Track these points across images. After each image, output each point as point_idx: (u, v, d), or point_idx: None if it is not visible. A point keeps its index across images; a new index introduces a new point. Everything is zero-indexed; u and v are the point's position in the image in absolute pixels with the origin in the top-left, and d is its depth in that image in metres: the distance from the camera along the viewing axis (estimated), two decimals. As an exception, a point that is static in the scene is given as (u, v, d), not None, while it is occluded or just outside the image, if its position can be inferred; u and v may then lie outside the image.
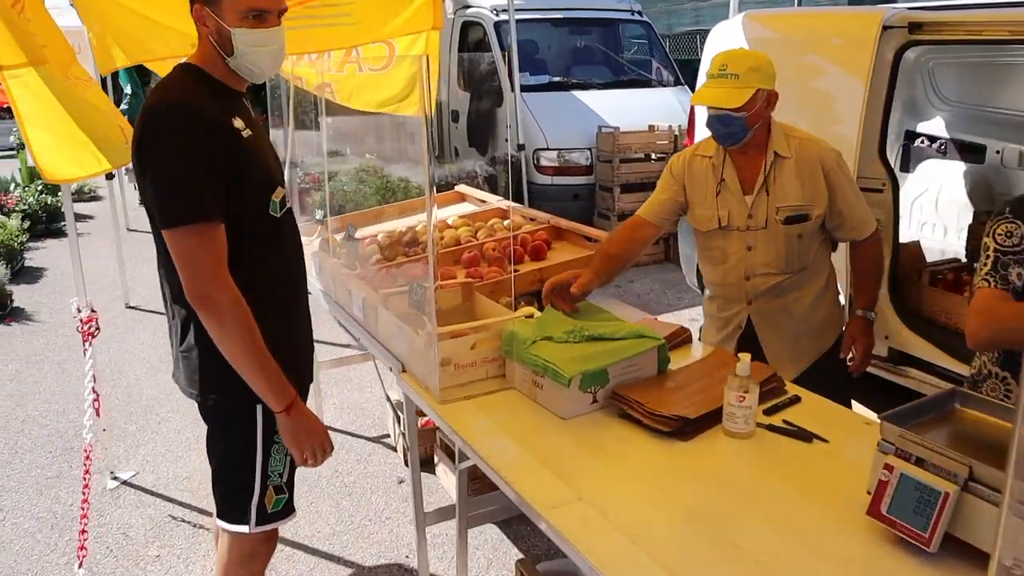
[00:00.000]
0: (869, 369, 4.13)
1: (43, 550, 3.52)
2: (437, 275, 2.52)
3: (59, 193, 10.27)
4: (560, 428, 2.18)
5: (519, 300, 3.06)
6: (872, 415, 3.98)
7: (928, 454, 1.54)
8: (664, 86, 8.80)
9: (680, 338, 2.72)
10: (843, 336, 2.91)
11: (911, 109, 5.18)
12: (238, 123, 2.01)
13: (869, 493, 1.64)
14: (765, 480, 1.90)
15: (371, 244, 3.67)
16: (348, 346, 5.65)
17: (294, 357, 2.25)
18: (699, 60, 5.42)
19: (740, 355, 2.10)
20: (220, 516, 2.27)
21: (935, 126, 5.82)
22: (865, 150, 3.89)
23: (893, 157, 4.98)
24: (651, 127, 7.66)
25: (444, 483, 3.82)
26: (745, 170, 2.69)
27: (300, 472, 2.45)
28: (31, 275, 7.93)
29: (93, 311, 3.71)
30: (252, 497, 2.20)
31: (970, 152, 4.97)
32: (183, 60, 2.12)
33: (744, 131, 2.59)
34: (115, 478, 4.09)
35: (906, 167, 5.64)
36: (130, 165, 2.11)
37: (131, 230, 9.40)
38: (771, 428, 2.13)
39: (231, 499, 2.23)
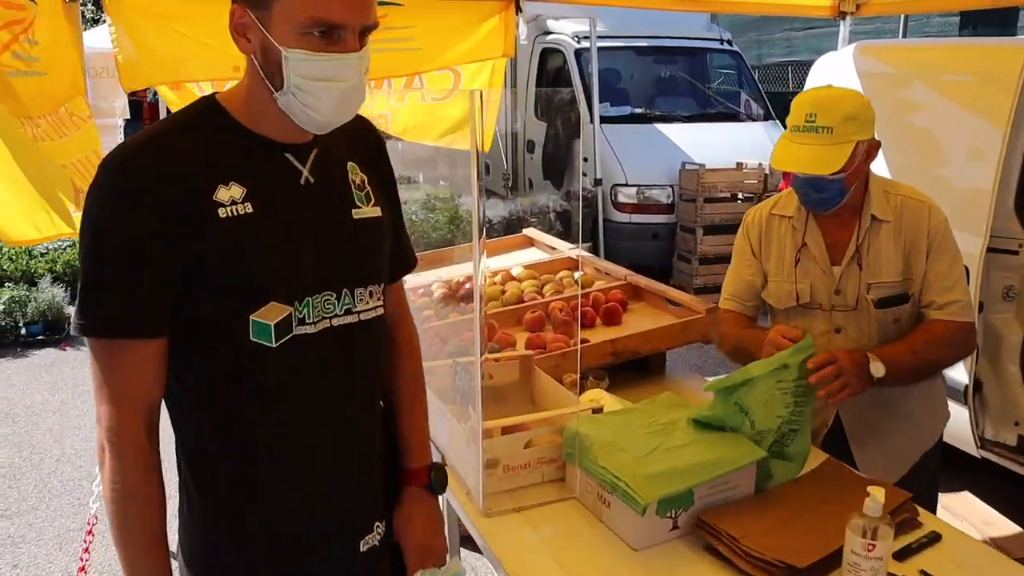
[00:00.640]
0: (994, 459, 3.56)
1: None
2: (485, 346, 2.09)
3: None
4: (629, 560, 1.73)
5: (586, 377, 2.61)
6: (994, 513, 3.42)
7: None
8: (754, 120, 8.26)
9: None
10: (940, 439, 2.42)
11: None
12: (228, 193, 1.31)
13: None
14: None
15: (424, 296, 3.26)
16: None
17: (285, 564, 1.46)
18: (791, 93, 4.91)
19: (871, 489, 1.61)
20: None
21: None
22: (1000, 205, 3.34)
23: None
24: (739, 164, 7.14)
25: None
26: (833, 234, 2.22)
27: None
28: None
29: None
30: None
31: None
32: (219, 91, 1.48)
33: (841, 195, 2.12)
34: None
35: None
36: None
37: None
38: (908, 586, 1.63)
39: None
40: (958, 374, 3.51)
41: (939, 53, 3.88)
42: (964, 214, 3.36)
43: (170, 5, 3.03)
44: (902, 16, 10.57)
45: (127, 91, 3.17)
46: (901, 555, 1.73)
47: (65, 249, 7.81)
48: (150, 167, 1.28)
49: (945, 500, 3.36)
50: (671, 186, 7.31)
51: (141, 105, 12.42)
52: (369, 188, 1.49)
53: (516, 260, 3.76)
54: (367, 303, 1.47)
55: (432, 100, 3.51)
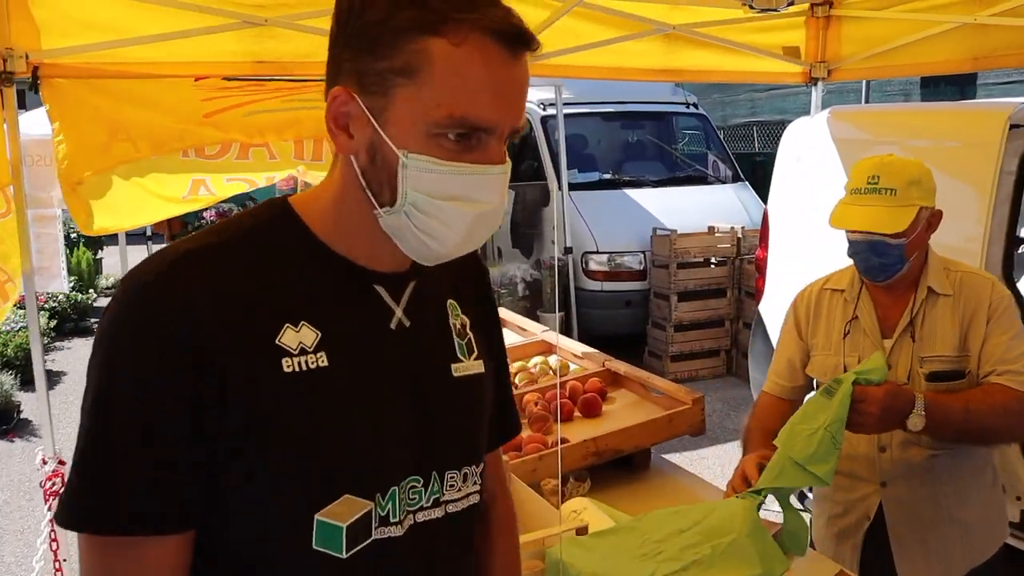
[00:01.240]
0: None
1: None
2: None
3: (89, 290, 10.02)
4: None
5: (567, 480, 2.39)
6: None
7: None
8: (723, 182, 8.22)
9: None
10: (1001, 549, 2.16)
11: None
12: (297, 337, 0.97)
13: None
14: None
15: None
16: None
17: None
18: (757, 153, 4.82)
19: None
20: None
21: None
22: (989, 271, 3.19)
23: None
24: (711, 228, 7.04)
25: None
26: (887, 307, 2.12)
27: None
28: (48, 379, 7.46)
29: (62, 463, 3.13)
30: None
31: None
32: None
33: (902, 262, 2.02)
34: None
35: (1010, 274, 4.92)
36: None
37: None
38: None
39: None
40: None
41: (915, 119, 3.79)
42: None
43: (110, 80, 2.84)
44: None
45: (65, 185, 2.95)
46: None
47: (16, 332, 7.49)
48: (192, 295, 0.93)
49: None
50: (643, 252, 7.19)
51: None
52: (471, 335, 1.16)
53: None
54: (460, 490, 1.11)
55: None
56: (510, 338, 3.59)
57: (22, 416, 6.40)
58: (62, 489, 0.94)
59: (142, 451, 0.91)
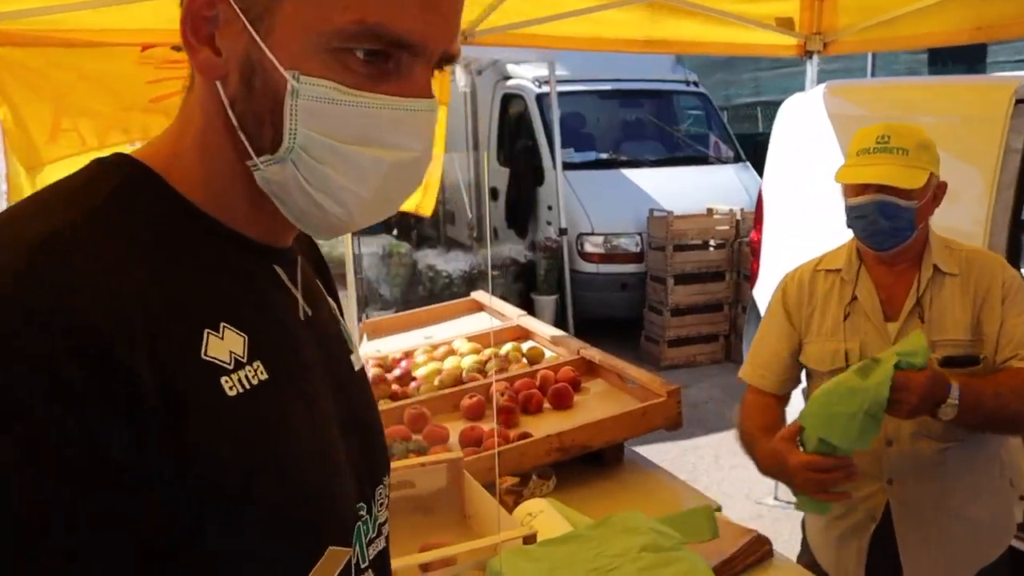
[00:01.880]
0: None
1: None
2: None
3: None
4: None
5: (530, 476, 2.23)
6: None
7: None
8: (724, 163, 8.00)
9: (757, 554, 1.85)
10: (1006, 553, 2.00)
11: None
12: (224, 346, 0.70)
13: None
14: None
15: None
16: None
17: None
18: (760, 133, 4.63)
19: None
20: None
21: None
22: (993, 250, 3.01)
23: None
24: (709, 210, 6.84)
25: None
26: (889, 287, 1.96)
27: None
28: None
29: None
30: None
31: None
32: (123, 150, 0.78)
33: (911, 228, 1.87)
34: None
35: (1016, 261, 4.72)
36: None
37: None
38: None
39: None
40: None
41: (915, 93, 3.59)
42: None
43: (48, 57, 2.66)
44: (870, 55, 10.43)
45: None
46: None
47: None
48: (80, 303, 0.60)
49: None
50: (639, 234, 7.00)
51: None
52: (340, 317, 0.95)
53: (462, 329, 3.40)
54: (384, 509, 0.91)
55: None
56: (484, 323, 3.43)
57: None
58: None
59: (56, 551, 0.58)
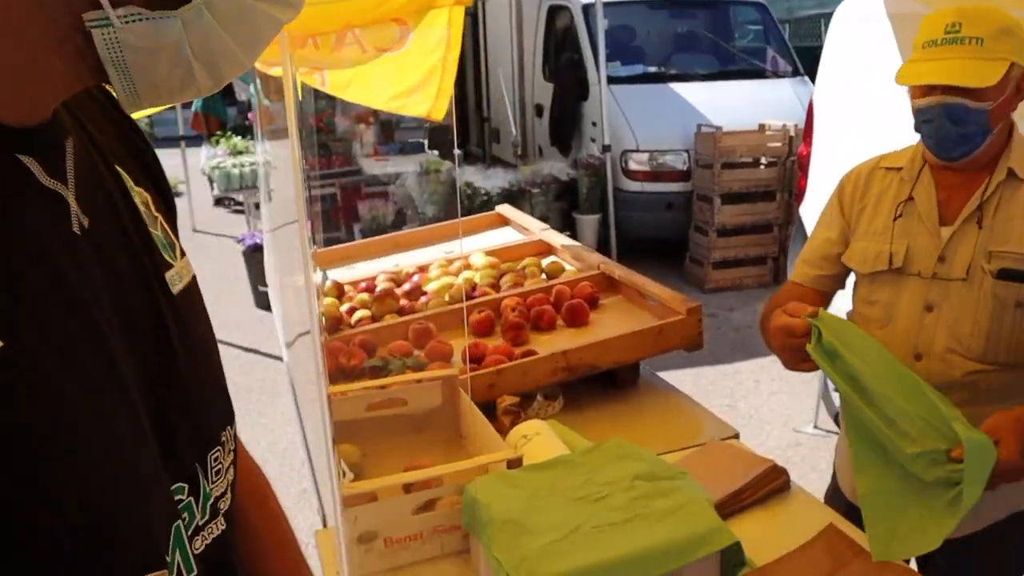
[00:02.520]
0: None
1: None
2: (326, 374, 1.55)
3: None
4: None
5: (533, 396, 2.08)
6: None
7: None
8: (780, 77, 7.57)
9: (771, 486, 1.69)
10: None
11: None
12: None
13: None
14: None
15: (362, 291, 2.75)
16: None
17: None
18: (822, 47, 4.29)
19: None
20: None
21: None
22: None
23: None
24: (761, 126, 6.48)
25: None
26: (952, 189, 1.71)
27: None
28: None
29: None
30: None
31: None
32: None
33: (984, 133, 1.62)
34: None
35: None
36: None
37: (197, 231, 8.88)
38: None
39: None
40: None
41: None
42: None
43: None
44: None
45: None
46: None
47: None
48: None
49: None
50: (687, 151, 6.69)
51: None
52: (162, 219, 0.75)
53: (485, 243, 3.23)
54: (225, 471, 0.74)
55: (377, 53, 2.93)
56: (506, 237, 3.26)
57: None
58: None
59: None
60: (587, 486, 1.45)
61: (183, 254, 0.75)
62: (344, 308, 2.58)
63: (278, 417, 4.48)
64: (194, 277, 0.76)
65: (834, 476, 2.06)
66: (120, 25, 0.55)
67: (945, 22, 1.59)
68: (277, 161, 4.42)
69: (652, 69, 7.50)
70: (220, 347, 0.78)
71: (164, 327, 0.67)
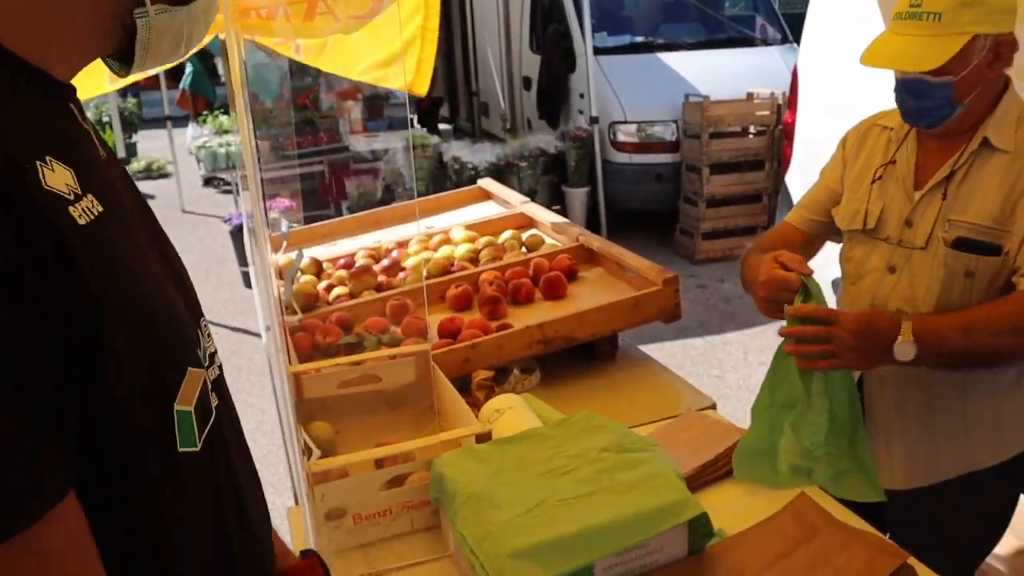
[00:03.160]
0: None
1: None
2: (291, 352, 1.54)
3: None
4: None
5: (509, 371, 2.07)
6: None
7: None
8: (768, 45, 7.50)
9: (745, 455, 1.68)
10: (1020, 465, 1.75)
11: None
12: (57, 178, 0.69)
13: None
14: None
15: (341, 267, 2.73)
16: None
17: None
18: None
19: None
20: None
21: None
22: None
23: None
24: (749, 95, 6.43)
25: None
26: (931, 154, 1.71)
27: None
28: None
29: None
30: None
31: None
32: None
33: (949, 106, 1.60)
34: None
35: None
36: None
37: (186, 212, 8.83)
38: None
39: None
40: None
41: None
42: None
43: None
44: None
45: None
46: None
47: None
48: None
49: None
50: (675, 122, 6.63)
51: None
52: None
53: (467, 217, 3.21)
54: (210, 337, 0.92)
55: (351, 19, 2.86)
56: (487, 211, 3.24)
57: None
58: None
59: (27, 385, 0.63)
60: (554, 459, 1.44)
61: None
62: (322, 285, 2.56)
63: (266, 396, 4.47)
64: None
65: None
66: (154, 16, 0.79)
67: None
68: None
69: (639, 39, 7.42)
70: (209, 327, 0.93)
71: (156, 226, 0.88)
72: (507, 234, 2.81)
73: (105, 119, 9.43)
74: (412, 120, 8.64)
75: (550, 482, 1.36)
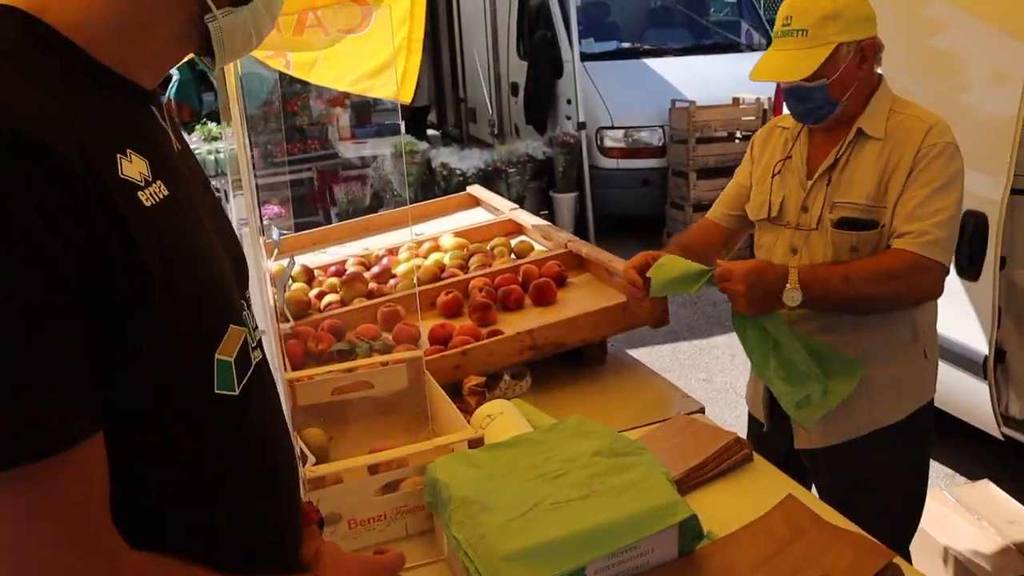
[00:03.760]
0: (1022, 439, 3.02)
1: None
2: (286, 360, 1.56)
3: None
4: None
5: (500, 376, 2.09)
6: (1019, 508, 2.88)
7: None
8: (754, 50, 7.56)
9: (733, 459, 1.71)
10: (923, 420, 1.99)
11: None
12: (132, 168, 0.81)
13: None
14: None
15: (332, 275, 2.74)
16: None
17: None
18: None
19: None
20: None
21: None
22: (1029, 139, 2.75)
23: None
24: (735, 100, 6.49)
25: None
26: (819, 147, 1.98)
27: None
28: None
29: None
30: None
31: None
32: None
33: (829, 104, 1.87)
34: None
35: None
36: None
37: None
38: None
39: None
40: (976, 343, 2.96)
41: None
42: (984, 149, 2.79)
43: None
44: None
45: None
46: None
47: None
48: (37, 138, 0.71)
49: (962, 493, 2.84)
50: (662, 127, 6.68)
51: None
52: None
53: (456, 224, 3.23)
54: (252, 312, 1.03)
55: (340, 35, 2.89)
56: (476, 217, 3.26)
57: None
58: None
59: (46, 342, 0.71)
60: (546, 464, 1.46)
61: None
62: (313, 293, 2.58)
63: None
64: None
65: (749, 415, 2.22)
66: (222, 18, 0.90)
67: (783, 15, 1.85)
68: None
69: (626, 45, 7.48)
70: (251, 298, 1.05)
71: (218, 214, 1.01)
72: (496, 240, 2.84)
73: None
74: (401, 126, 8.65)
75: (542, 486, 1.38)
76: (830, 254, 1.88)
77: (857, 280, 1.77)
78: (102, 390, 0.75)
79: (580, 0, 6.76)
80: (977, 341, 2.95)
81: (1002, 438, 3.04)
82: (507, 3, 8.13)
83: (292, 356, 2.10)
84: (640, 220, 6.88)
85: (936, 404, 2.05)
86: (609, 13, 7.91)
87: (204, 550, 0.86)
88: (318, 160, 7.06)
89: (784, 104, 1.97)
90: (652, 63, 7.13)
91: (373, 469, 1.61)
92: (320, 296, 2.55)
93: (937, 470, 3.48)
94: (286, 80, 7.00)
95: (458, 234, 2.94)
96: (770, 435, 2.06)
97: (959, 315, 2.96)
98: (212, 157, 7.47)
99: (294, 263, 2.48)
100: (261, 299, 1.37)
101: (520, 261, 2.60)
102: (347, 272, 2.72)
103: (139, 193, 0.80)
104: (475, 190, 3.52)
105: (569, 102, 6.94)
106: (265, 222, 3.91)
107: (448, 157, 6.69)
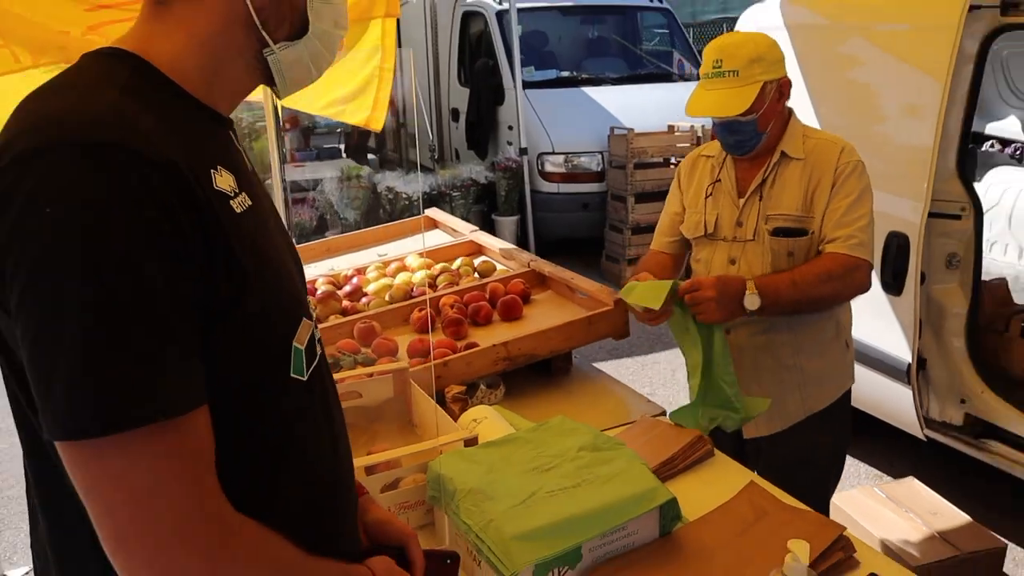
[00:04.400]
0: (941, 440, 3.30)
1: None
2: None
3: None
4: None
5: (477, 386, 2.24)
6: (941, 501, 3.16)
7: None
8: (686, 80, 7.90)
9: (697, 454, 1.90)
10: (845, 402, 2.33)
11: (979, 107, 4.29)
12: (224, 181, 0.94)
13: None
14: None
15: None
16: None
17: None
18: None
19: (791, 544, 1.28)
20: None
21: (1008, 127, 4.91)
22: (941, 165, 3.03)
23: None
24: (670, 127, 6.79)
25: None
26: (746, 170, 2.25)
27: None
28: None
29: None
30: None
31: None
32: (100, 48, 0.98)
33: (756, 136, 2.14)
34: (2, 576, 3.32)
35: (971, 175, 4.76)
36: None
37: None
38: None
39: None
40: (901, 352, 3.22)
41: (875, 0, 3.53)
42: (904, 176, 3.06)
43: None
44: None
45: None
46: (836, 610, 1.41)
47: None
48: (160, 143, 0.85)
49: (891, 489, 3.09)
50: (600, 153, 6.94)
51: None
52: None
53: (417, 246, 3.38)
54: (314, 311, 1.21)
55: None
56: (438, 239, 3.41)
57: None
58: (76, 392, 0.78)
59: (166, 321, 0.82)
60: (538, 458, 1.62)
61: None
62: (288, 311, 2.69)
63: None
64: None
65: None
66: (279, 52, 1.01)
67: (713, 57, 2.08)
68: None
69: (565, 74, 7.74)
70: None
71: (280, 222, 1.13)
72: (460, 260, 2.99)
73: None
74: (340, 150, 8.75)
75: (536, 478, 1.54)
76: (768, 261, 2.15)
77: (803, 283, 2.04)
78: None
79: (520, 29, 6.98)
80: (901, 350, 3.22)
81: (925, 439, 3.31)
82: (448, 31, 8.33)
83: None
84: (580, 242, 7.11)
85: (866, 409, 2.33)
86: (547, 42, 8.17)
87: (276, 520, 0.95)
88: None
89: (713, 130, 2.23)
90: (590, 91, 7.40)
91: (370, 470, 1.74)
92: (295, 314, 2.66)
93: (867, 470, 3.74)
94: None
95: (423, 255, 3.08)
96: (722, 432, 2.26)
97: (885, 327, 3.23)
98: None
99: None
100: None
101: (486, 280, 2.76)
102: (319, 291, 2.84)
103: (231, 202, 0.93)
104: (434, 213, 3.67)
105: (511, 128, 7.15)
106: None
107: (393, 181, 6.82)
